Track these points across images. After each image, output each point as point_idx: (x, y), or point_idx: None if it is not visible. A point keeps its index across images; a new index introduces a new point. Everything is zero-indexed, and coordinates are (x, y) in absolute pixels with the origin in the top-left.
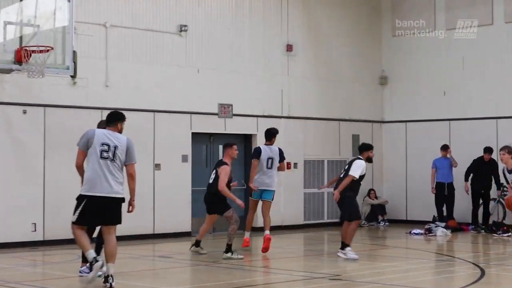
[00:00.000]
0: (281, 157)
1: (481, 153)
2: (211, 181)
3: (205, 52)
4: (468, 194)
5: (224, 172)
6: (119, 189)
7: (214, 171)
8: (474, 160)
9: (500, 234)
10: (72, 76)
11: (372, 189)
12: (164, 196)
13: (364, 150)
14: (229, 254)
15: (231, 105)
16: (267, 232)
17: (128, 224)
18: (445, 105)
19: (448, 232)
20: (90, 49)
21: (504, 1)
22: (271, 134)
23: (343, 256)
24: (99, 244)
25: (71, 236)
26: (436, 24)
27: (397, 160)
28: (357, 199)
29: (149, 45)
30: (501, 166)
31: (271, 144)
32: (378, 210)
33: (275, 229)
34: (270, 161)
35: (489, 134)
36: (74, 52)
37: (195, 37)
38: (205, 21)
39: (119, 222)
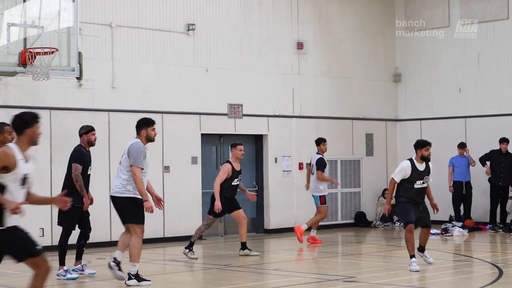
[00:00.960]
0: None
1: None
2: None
3: (214, 51)
4: (488, 174)
5: (223, 170)
6: (121, 190)
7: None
8: (491, 151)
9: None
10: (78, 78)
11: (386, 189)
12: (173, 199)
13: (416, 148)
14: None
15: (241, 105)
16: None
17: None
18: (461, 102)
19: (465, 232)
20: (95, 50)
21: None
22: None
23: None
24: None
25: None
26: (450, 19)
27: None
28: (372, 199)
29: (156, 45)
30: None
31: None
32: (393, 211)
33: (289, 230)
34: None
35: (507, 131)
36: (80, 54)
37: (203, 36)
38: (213, 19)
39: (125, 221)
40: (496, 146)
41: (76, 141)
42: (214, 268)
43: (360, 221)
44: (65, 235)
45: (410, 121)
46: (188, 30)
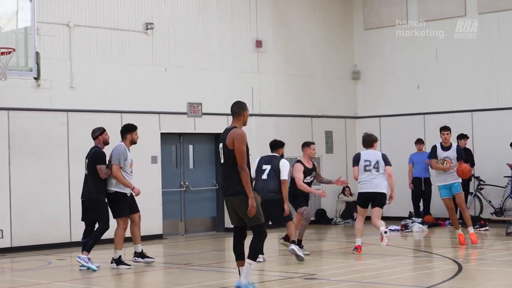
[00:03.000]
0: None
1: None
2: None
3: (172, 50)
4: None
5: (296, 170)
6: (111, 187)
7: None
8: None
9: (477, 228)
10: (35, 78)
11: (347, 186)
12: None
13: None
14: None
15: (200, 104)
16: None
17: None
18: (419, 99)
19: (425, 227)
20: (53, 50)
21: None
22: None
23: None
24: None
25: (39, 242)
26: (408, 16)
27: None
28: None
29: (115, 44)
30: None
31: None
32: (353, 207)
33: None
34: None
35: (465, 128)
36: (37, 53)
37: (162, 35)
38: (171, 18)
39: (114, 215)
40: (454, 142)
41: (34, 141)
42: (175, 268)
43: (321, 219)
44: (102, 230)
45: (369, 118)
46: (147, 29)
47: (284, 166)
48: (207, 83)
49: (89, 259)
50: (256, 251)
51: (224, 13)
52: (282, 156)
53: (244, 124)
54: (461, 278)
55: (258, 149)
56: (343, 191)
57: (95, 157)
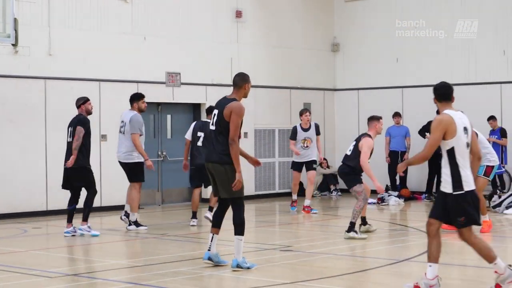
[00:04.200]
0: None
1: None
2: (348, 152)
3: (152, 19)
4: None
5: (367, 145)
6: (126, 155)
7: (354, 142)
8: (429, 122)
9: None
10: (13, 45)
11: (324, 158)
12: (111, 168)
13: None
14: (351, 234)
15: (179, 74)
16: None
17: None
18: (398, 72)
19: (401, 201)
20: (32, 16)
21: None
22: None
23: None
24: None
25: (15, 210)
26: None
27: (350, 129)
28: None
29: (94, 12)
30: None
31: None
32: (330, 180)
33: None
34: None
35: None
36: (15, 20)
37: (141, 3)
38: None
39: (132, 180)
40: (432, 116)
41: (12, 108)
42: (151, 238)
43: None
44: (93, 195)
45: (347, 90)
46: None
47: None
48: (186, 53)
49: (89, 227)
50: (242, 225)
51: None
52: None
53: (245, 97)
54: None
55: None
56: (320, 164)
57: (79, 123)
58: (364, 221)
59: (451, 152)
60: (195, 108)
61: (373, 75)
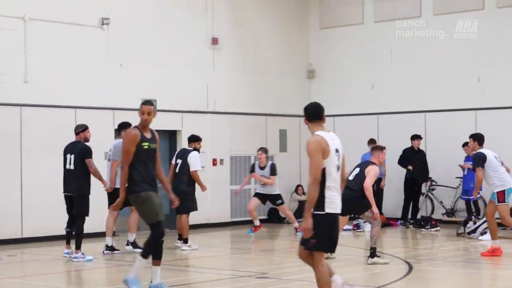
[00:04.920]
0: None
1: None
2: (351, 177)
3: (128, 46)
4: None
5: (374, 172)
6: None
7: (358, 169)
8: (404, 150)
9: (428, 229)
10: None
11: (300, 185)
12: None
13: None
14: (375, 259)
15: (155, 100)
16: None
17: (52, 224)
18: (374, 99)
19: None
20: (8, 43)
21: None
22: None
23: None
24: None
25: None
26: (364, 17)
27: None
28: (285, 195)
29: (70, 39)
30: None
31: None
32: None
33: (201, 227)
34: None
35: (418, 128)
36: None
37: (118, 30)
38: (128, 13)
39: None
40: (408, 142)
41: None
42: (126, 265)
43: (273, 217)
44: (84, 222)
45: None
46: (103, 24)
47: (193, 159)
48: (162, 80)
49: (83, 254)
50: (147, 249)
51: (181, 10)
52: (195, 149)
53: (145, 123)
54: (411, 278)
55: (212, 146)
56: (296, 190)
57: (83, 152)
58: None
59: (321, 174)
60: (171, 135)
61: (349, 101)
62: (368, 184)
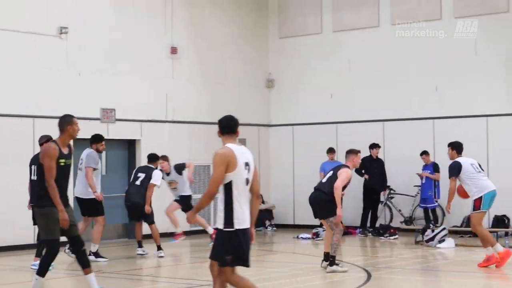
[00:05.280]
0: None
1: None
2: (324, 180)
3: (87, 55)
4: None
5: (346, 174)
6: (84, 191)
7: (331, 172)
8: (362, 159)
9: (387, 237)
10: None
11: (260, 194)
12: None
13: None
14: (334, 267)
15: (114, 110)
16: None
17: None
18: (332, 108)
19: None
20: None
21: (390, 4)
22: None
23: None
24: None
25: None
26: (322, 26)
27: (285, 164)
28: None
29: (28, 48)
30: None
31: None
32: (265, 215)
33: (163, 236)
34: None
35: (376, 137)
36: None
37: (76, 39)
38: (86, 23)
39: (93, 214)
40: (366, 151)
41: None
42: (82, 275)
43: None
44: None
45: (282, 126)
46: (61, 33)
47: (156, 176)
48: (121, 89)
49: None
50: (43, 267)
51: (140, 19)
52: (156, 168)
53: (71, 138)
54: (370, 286)
55: (171, 156)
56: None
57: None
58: (327, 257)
59: (228, 187)
60: (130, 144)
61: (308, 110)
62: (338, 185)
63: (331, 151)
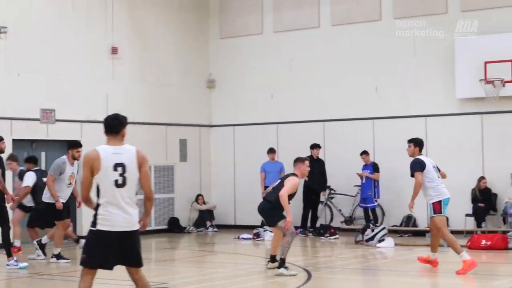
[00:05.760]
0: None
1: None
2: (270, 189)
3: (26, 55)
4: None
5: (293, 182)
6: (45, 197)
7: (279, 181)
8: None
9: (327, 237)
10: None
11: (200, 195)
12: None
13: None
14: (281, 270)
15: (54, 110)
16: None
17: None
18: (273, 108)
19: None
20: None
21: (330, 4)
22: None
23: None
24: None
25: None
26: (263, 27)
27: (226, 165)
28: (186, 204)
29: None
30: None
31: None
32: (206, 216)
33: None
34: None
35: (317, 137)
36: None
37: (15, 39)
38: (26, 22)
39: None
40: (308, 151)
41: None
42: (24, 277)
43: (174, 227)
44: (8, 230)
45: (223, 126)
46: (0, 32)
47: (26, 177)
48: (61, 90)
49: (16, 261)
50: None
51: (80, 19)
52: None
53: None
54: (310, 286)
55: None
56: (196, 200)
57: None
58: (273, 259)
59: (98, 189)
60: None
61: (249, 111)
62: (283, 193)
63: (271, 151)
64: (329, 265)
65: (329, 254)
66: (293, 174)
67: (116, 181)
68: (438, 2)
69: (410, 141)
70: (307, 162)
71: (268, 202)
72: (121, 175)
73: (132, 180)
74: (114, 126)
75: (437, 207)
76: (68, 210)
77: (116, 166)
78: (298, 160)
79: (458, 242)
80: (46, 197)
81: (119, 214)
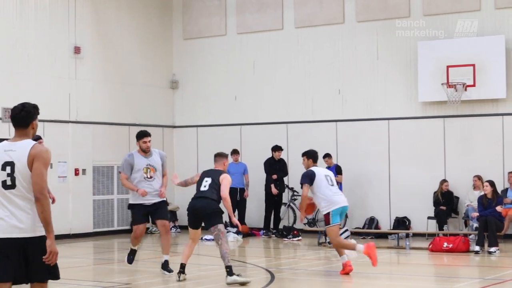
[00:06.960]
0: None
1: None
2: (203, 188)
3: None
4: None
5: (228, 180)
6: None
7: (209, 179)
8: (266, 160)
9: (290, 238)
10: None
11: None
12: None
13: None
14: (233, 277)
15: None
16: None
17: None
18: (237, 110)
19: (240, 237)
20: None
21: (294, 7)
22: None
23: None
24: None
25: None
26: (227, 28)
27: (189, 166)
28: None
29: None
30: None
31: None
32: (169, 217)
33: (63, 237)
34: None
35: (280, 139)
36: None
37: None
38: None
39: None
40: (269, 153)
41: None
42: None
43: None
44: None
45: (187, 127)
46: None
47: None
48: (23, 89)
49: None
50: None
51: (42, 18)
52: None
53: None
54: (273, 287)
55: (74, 156)
56: None
57: None
58: (184, 269)
59: None
60: None
61: (212, 112)
62: (226, 193)
63: (235, 152)
64: (292, 267)
65: (292, 255)
66: (222, 171)
67: (4, 182)
68: (401, 6)
69: (303, 154)
70: (227, 159)
71: (212, 200)
72: (9, 175)
73: (24, 180)
74: (22, 118)
75: (326, 218)
76: None
77: (4, 165)
78: (222, 156)
79: (348, 247)
80: None
81: (3, 219)
